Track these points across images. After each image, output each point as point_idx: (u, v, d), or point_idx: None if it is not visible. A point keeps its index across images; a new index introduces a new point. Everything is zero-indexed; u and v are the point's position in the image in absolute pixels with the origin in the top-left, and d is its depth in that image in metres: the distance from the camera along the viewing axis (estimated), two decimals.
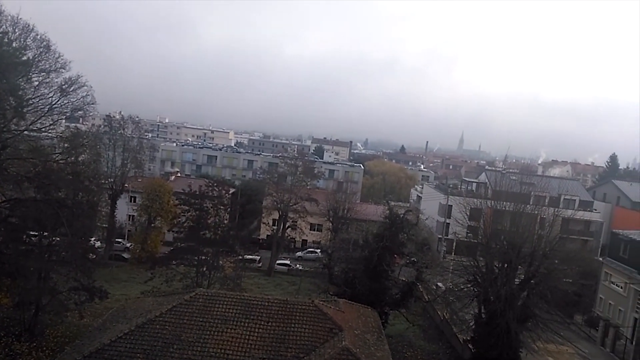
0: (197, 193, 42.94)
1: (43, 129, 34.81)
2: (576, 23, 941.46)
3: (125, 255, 62.89)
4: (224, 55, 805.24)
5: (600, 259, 55.29)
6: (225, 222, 45.98)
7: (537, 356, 34.48)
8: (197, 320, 21.93)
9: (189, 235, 40.74)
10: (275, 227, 66.16)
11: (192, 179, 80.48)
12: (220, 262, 40.29)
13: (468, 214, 39.94)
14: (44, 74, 32.49)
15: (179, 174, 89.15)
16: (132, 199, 70.15)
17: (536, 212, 35.19)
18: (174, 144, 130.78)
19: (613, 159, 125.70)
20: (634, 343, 41.08)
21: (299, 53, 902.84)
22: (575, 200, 75.54)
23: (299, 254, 71.23)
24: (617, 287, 49.17)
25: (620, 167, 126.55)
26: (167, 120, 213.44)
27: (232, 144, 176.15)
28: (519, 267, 31.86)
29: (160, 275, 37.77)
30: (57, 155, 36.18)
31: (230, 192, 62.12)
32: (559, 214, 37.91)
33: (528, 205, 35.30)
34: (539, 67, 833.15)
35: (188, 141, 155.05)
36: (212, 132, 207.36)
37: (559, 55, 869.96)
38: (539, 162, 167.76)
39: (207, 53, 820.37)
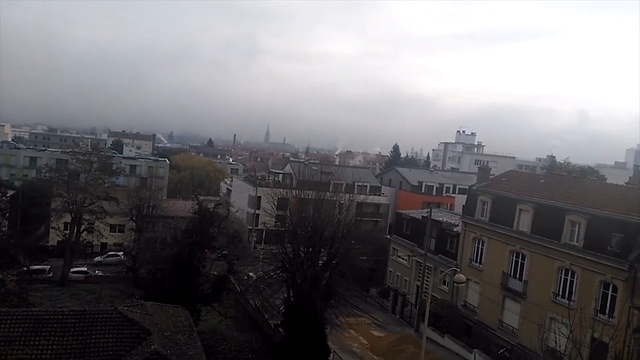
0: None
1: None
2: (369, 23, 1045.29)
3: None
4: None
5: (389, 236, 62.73)
6: (4, 229, 39.82)
7: (340, 330, 37.47)
8: None
9: None
10: (67, 232, 59.21)
11: None
12: (0, 275, 34.79)
13: (276, 204, 41.30)
14: None
15: None
16: None
17: (335, 198, 38.06)
18: None
19: (396, 148, 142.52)
20: (417, 307, 47.61)
21: (88, 39, 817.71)
22: (366, 186, 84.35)
23: (97, 259, 65.13)
24: (402, 260, 56.54)
25: (401, 156, 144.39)
26: None
27: (9, 139, 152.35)
28: (322, 249, 33.98)
29: None
30: None
31: (9, 194, 54.06)
32: (353, 199, 41.51)
33: (328, 193, 38.05)
34: (336, 65, 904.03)
35: None
36: None
37: (354, 54, 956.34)
38: (337, 153, 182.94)
39: None
